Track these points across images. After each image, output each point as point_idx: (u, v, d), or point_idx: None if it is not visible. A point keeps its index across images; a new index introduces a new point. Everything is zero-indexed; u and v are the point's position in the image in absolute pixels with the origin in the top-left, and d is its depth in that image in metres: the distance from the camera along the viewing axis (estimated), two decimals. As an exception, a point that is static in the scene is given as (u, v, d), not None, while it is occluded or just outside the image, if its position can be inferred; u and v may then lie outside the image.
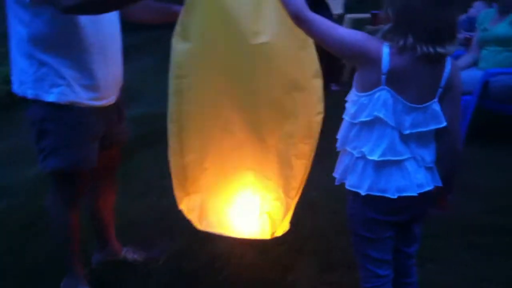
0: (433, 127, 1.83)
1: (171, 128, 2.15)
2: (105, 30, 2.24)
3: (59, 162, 2.25)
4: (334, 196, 3.07)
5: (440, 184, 1.90)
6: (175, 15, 2.13)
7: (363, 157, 1.84)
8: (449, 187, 1.95)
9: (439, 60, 1.77)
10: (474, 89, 4.06)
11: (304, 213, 2.60)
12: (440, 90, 1.80)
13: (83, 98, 2.23)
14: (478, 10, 5.58)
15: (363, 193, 1.85)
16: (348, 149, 1.89)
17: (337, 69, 6.07)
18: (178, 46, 2.06)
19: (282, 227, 2.27)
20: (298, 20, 1.80)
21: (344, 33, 1.82)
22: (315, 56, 2.09)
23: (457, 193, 2.03)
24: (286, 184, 2.19)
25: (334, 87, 5.93)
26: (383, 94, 1.77)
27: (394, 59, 1.73)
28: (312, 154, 2.16)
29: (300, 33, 1.95)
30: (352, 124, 1.87)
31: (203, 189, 2.28)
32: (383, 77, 1.75)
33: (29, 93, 2.20)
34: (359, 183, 1.86)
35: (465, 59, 4.56)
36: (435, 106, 1.81)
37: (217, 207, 2.31)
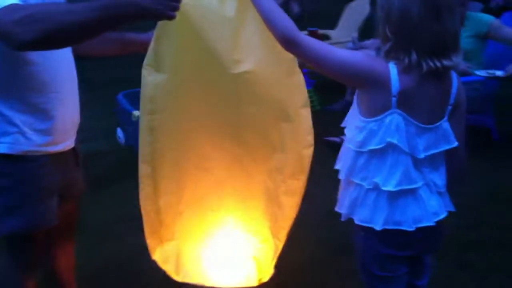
0: (444, 148, 1.70)
1: (143, 169, 1.89)
2: (58, 66, 1.93)
3: (16, 223, 1.91)
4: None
5: (451, 208, 1.77)
6: (141, 44, 1.92)
7: (375, 188, 1.67)
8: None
9: (445, 74, 1.66)
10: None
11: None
12: (449, 107, 1.69)
13: (37, 145, 1.90)
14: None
15: (378, 228, 1.67)
16: (356, 180, 1.71)
17: None
18: (150, 78, 1.80)
19: (269, 271, 2.04)
20: (289, 43, 1.62)
21: (345, 54, 1.66)
22: (303, 83, 1.89)
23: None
24: (274, 224, 1.98)
25: None
26: (395, 117, 1.61)
27: (402, 79, 1.58)
28: (303, 190, 1.95)
29: (286, 59, 1.78)
30: (359, 153, 1.69)
31: (178, 236, 2.03)
32: (394, 99, 1.59)
33: None
34: (372, 217, 1.69)
35: None
36: (445, 125, 1.69)
37: (195, 255, 2.06)
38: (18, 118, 1.85)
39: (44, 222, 1.97)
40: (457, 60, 1.60)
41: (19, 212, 1.91)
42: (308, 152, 1.92)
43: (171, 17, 1.61)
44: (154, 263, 2.89)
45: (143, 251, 3.06)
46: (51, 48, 1.76)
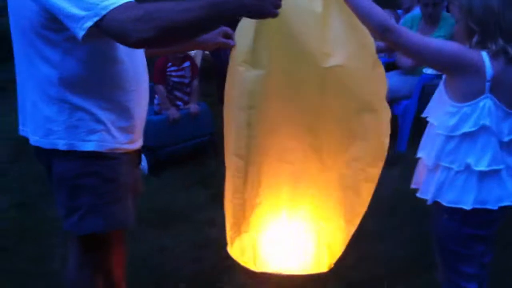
0: None
1: (235, 162, 1.97)
2: (139, 64, 1.96)
3: (101, 222, 1.90)
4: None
5: None
6: (213, 44, 2.05)
7: (465, 169, 1.81)
8: None
9: None
10: (413, 93, 4.26)
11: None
12: None
13: (121, 142, 1.91)
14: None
15: (468, 207, 1.81)
16: (445, 164, 1.85)
17: None
18: (249, 74, 1.88)
19: (337, 256, 2.17)
20: (386, 30, 1.76)
21: (441, 42, 1.83)
22: (384, 75, 2.02)
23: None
24: (350, 211, 2.10)
25: None
26: (487, 102, 1.77)
27: (494, 65, 1.74)
28: (378, 176, 2.08)
29: (371, 51, 1.90)
30: (449, 137, 1.83)
31: (254, 227, 2.10)
32: (488, 84, 1.75)
33: (61, 144, 1.83)
34: (460, 198, 1.83)
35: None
36: None
37: (271, 245, 2.14)
38: (104, 116, 1.85)
39: (125, 220, 1.98)
40: None
41: (103, 211, 1.90)
42: (387, 140, 2.05)
43: (274, 15, 1.67)
44: (176, 261, 2.96)
45: (186, 241, 3.21)
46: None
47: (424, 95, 4.31)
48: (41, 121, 1.85)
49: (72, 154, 1.85)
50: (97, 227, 1.91)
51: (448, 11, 4.71)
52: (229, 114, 2.11)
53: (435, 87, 4.31)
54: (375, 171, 2.06)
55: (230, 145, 2.00)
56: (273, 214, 2.12)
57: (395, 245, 3.18)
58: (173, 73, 4.54)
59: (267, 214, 2.10)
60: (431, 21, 4.49)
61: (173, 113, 4.40)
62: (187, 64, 4.59)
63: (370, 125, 2.02)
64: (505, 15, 1.73)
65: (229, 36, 2.11)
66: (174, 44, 1.91)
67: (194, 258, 3.10)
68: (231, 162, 1.98)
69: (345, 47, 1.92)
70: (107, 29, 1.64)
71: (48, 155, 1.88)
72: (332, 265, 2.15)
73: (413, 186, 2.04)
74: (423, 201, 3.42)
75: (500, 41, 1.73)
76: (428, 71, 4.41)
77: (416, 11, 4.64)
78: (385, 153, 2.06)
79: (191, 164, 4.50)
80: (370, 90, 2.00)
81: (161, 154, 4.33)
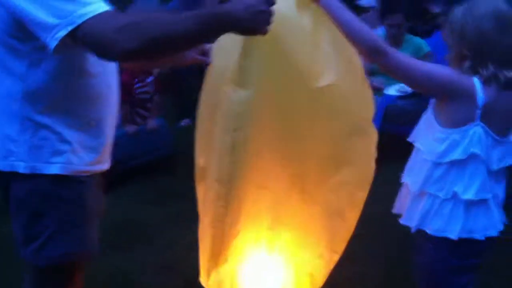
0: (511, 162, 1.81)
1: (217, 189, 1.83)
2: (111, 78, 1.81)
3: (64, 250, 1.74)
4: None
5: (505, 221, 1.89)
6: (192, 60, 1.95)
7: (452, 198, 1.76)
8: None
9: None
10: (377, 114, 4.25)
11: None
12: None
13: (87, 163, 1.76)
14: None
15: (454, 237, 1.75)
16: (431, 191, 1.79)
17: (191, 103, 5.95)
18: (236, 95, 1.75)
19: (320, 285, 2.08)
20: (378, 53, 1.69)
21: (433, 67, 1.77)
22: (372, 95, 1.95)
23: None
24: (332, 238, 2.01)
25: (185, 122, 5.79)
26: (478, 129, 1.72)
27: (486, 92, 1.70)
28: (364, 200, 2.01)
29: (359, 69, 1.85)
30: (437, 164, 1.77)
31: (232, 258, 1.98)
32: (478, 112, 1.70)
33: (21, 167, 1.66)
34: (446, 227, 1.77)
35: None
36: None
37: (250, 275, 2.03)
38: (70, 135, 1.70)
39: (90, 248, 1.83)
40: None
41: (66, 238, 1.74)
42: (373, 164, 1.98)
43: (265, 32, 1.58)
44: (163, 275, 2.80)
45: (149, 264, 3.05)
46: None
47: (387, 116, 4.33)
48: (0, 141, 1.68)
49: (33, 177, 1.68)
50: (60, 257, 1.75)
51: (411, 33, 4.76)
52: (204, 134, 1.99)
53: (397, 107, 4.42)
54: (362, 195, 1.99)
55: (211, 170, 1.86)
56: (253, 244, 2.00)
57: (367, 266, 3.12)
58: (138, 90, 4.35)
59: (247, 244, 1.98)
60: (395, 42, 4.52)
61: (130, 129, 4.22)
62: (150, 79, 4.42)
63: (359, 149, 1.94)
64: (498, 40, 1.69)
65: (205, 53, 2.01)
66: (158, 58, 1.78)
67: (160, 283, 2.96)
68: (212, 188, 1.85)
69: (335, 66, 1.83)
70: (83, 40, 1.49)
71: (6, 178, 1.71)
72: None
73: (395, 211, 1.97)
74: (391, 223, 3.44)
75: (491, 67, 1.69)
76: (390, 92, 4.45)
77: (381, 30, 4.66)
78: (372, 176, 1.99)
79: (147, 182, 4.33)
80: (360, 111, 1.93)
81: (117, 169, 4.13)
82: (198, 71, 5.98)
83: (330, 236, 2.01)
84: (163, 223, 3.64)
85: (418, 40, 4.64)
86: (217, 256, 1.92)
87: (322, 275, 2.04)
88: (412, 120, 4.47)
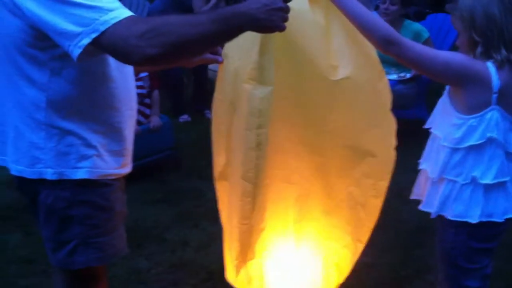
0: None
1: (244, 186, 1.84)
2: (130, 82, 1.82)
3: (96, 255, 1.76)
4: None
5: None
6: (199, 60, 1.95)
7: (471, 182, 1.78)
8: None
9: None
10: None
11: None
12: None
13: (113, 167, 1.77)
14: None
15: (474, 221, 1.79)
16: (449, 177, 1.82)
17: (208, 95, 5.94)
18: (257, 92, 1.76)
19: (346, 274, 2.13)
20: (390, 43, 1.71)
21: (447, 54, 1.80)
22: (389, 86, 1.97)
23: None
24: (357, 228, 2.04)
25: (183, 119, 5.79)
26: (494, 113, 1.75)
27: (501, 76, 1.72)
28: (386, 189, 2.04)
29: (376, 62, 1.86)
30: (455, 150, 1.80)
31: (260, 254, 2.00)
32: (494, 96, 1.73)
33: (50, 173, 1.67)
34: (467, 211, 1.80)
35: None
36: None
37: (278, 270, 2.05)
38: (95, 139, 1.71)
39: (119, 251, 1.85)
40: None
41: (97, 243, 1.76)
42: (394, 153, 2.00)
43: (282, 29, 1.59)
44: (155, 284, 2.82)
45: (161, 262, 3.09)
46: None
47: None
48: (26, 149, 1.68)
49: (61, 183, 1.69)
50: (92, 260, 1.77)
51: (409, 18, 4.77)
52: (223, 133, 2.01)
53: (397, 92, 4.45)
54: (384, 185, 2.02)
55: (237, 169, 1.88)
56: (279, 238, 2.03)
57: (375, 255, 3.15)
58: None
59: (274, 238, 2.01)
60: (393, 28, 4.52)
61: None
62: (144, 74, 4.39)
63: (379, 139, 1.97)
64: (508, 24, 1.72)
65: (215, 52, 2.01)
66: (179, 60, 1.78)
67: (173, 281, 2.97)
68: (237, 186, 1.87)
69: (351, 59, 1.86)
70: (107, 47, 1.50)
71: (34, 186, 1.72)
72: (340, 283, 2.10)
73: (413, 197, 2.00)
74: (398, 206, 3.48)
75: (503, 51, 1.71)
76: (389, 77, 4.47)
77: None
78: (393, 165, 2.02)
79: (153, 181, 4.32)
80: (378, 102, 1.95)
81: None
82: (192, 67, 5.99)
83: (354, 226, 2.04)
84: (172, 222, 3.64)
85: (416, 26, 4.63)
86: (246, 252, 1.94)
87: (348, 265, 2.08)
88: (410, 103, 4.55)
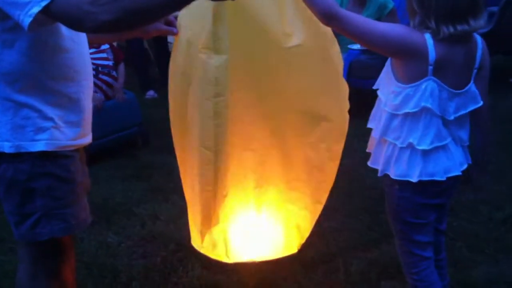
0: (471, 107, 1.90)
1: (204, 155, 1.88)
2: (85, 52, 1.83)
3: (59, 225, 1.78)
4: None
5: (469, 161, 1.99)
6: (144, 31, 1.98)
7: (408, 146, 1.85)
8: (480, 159, 2.05)
9: (469, 39, 1.83)
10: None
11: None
12: (475, 71, 1.88)
13: (71, 138, 1.79)
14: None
15: (414, 180, 1.85)
16: (389, 139, 1.89)
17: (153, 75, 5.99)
18: (213, 61, 1.79)
19: (307, 235, 2.19)
20: (331, 18, 1.73)
21: (386, 27, 1.81)
22: (340, 54, 2.01)
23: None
24: (315, 190, 2.11)
25: (149, 95, 5.78)
26: (430, 84, 1.79)
27: (437, 48, 1.76)
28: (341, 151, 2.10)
29: (327, 31, 1.88)
30: (393, 115, 1.86)
31: (223, 219, 2.05)
32: (430, 67, 1.77)
33: (7, 147, 1.69)
34: (407, 171, 1.87)
35: None
36: (473, 87, 1.89)
37: (241, 234, 2.10)
38: (52, 111, 1.73)
39: (83, 221, 1.87)
40: (476, 24, 1.74)
41: (60, 214, 1.79)
42: (347, 115, 2.07)
43: None
44: (125, 258, 2.85)
45: (131, 236, 3.11)
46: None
47: (352, 70, 4.42)
48: None
49: (20, 156, 1.71)
50: (57, 231, 1.79)
51: None
52: (179, 104, 2.03)
53: (361, 62, 4.50)
54: (339, 148, 2.08)
55: (195, 137, 1.92)
56: (241, 204, 2.07)
57: (341, 220, 3.23)
58: (94, 55, 4.19)
59: (235, 204, 2.06)
60: (359, 1, 4.57)
61: (97, 99, 4.07)
62: (106, 46, 4.34)
63: (333, 105, 2.03)
64: None
65: (170, 23, 2.02)
66: (132, 28, 1.78)
67: (143, 254, 3.01)
68: (199, 155, 1.90)
69: (304, 28, 1.89)
70: (58, 14, 1.51)
71: None
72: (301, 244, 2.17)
73: (368, 150, 2.05)
74: (363, 173, 3.54)
75: (432, 22, 1.74)
76: (354, 47, 4.52)
77: None
78: (347, 128, 2.08)
79: (122, 157, 4.34)
80: (331, 68, 2.00)
81: (90, 147, 4.10)
82: (154, 42, 5.97)
83: (312, 188, 2.10)
84: (141, 197, 3.68)
85: None
86: (210, 218, 1.99)
87: (308, 225, 2.15)
88: (375, 73, 4.61)
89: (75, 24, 1.52)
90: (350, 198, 3.49)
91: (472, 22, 1.74)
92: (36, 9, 1.48)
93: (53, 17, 1.52)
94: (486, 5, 1.85)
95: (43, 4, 1.48)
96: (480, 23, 1.77)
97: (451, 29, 1.73)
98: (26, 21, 1.49)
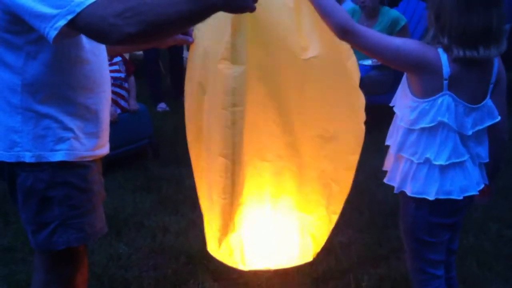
0: (489, 123, 1.90)
1: (221, 163, 1.91)
2: (104, 64, 1.86)
3: (75, 235, 1.80)
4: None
5: (486, 181, 1.98)
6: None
7: (425, 162, 1.85)
8: (495, 175, 2.05)
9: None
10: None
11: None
12: (491, 86, 1.88)
13: (90, 149, 1.82)
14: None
15: (431, 198, 1.85)
16: (406, 155, 1.89)
17: (164, 88, 6.03)
18: (231, 71, 1.83)
19: (322, 243, 2.20)
20: (346, 32, 1.76)
21: (400, 42, 1.83)
22: (357, 66, 2.04)
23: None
24: (331, 201, 2.11)
25: (161, 107, 5.83)
26: (445, 98, 1.80)
27: (451, 64, 1.78)
28: (357, 162, 2.12)
29: (344, 43, 1.90)
30: (410, 130, 1.87)
31: (239, 226, 2.07)
32: (445, 82, 1.78)
33: (28, 156, 1.71)
34: (424, 189, 1.87)
35: None
36: (489, 102, 1.89)
37: (257, 242, 2.12)
38: (72, 122, 1.76)
39: (99, 230, 1.90)
40: (486, 53, 1.74)
41: (77, 223, 1.81)
42: (363, 126, 2.08)
43: (253, 10, 1.62)
44: (135, 269, 2.86)
45: (142, 248, 3.13)
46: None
47: (362, 86, 4.42)
48: (3, 133, 1.73)
49: (40, 166, 1.74)
50: (73, 240, 1.81)
51: (383, 4, 4.83)
52: (195, 112, 2.06)
53: (372, 78, 4.51)
54: (354, 158, 2.09)
55: (212, 146, 1.95)
56: (257, 212, 2.09)
57: (352, 235, 3.23)
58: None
59: (252, 212, 2.07)
60: (369, 15, 4.60)
61: (111, 113, 4.15)
62: (118, 59, 4.40)
63: (349, 116, 2.05)
64: (454, 16, 1.74)
65: (186, 33, 2.05)
66: (157, 40, 1.82)
67: (153, 266, 3.02)
68: (217, 163, 1.93)
69: (320, 40, 1.92)
70: (83, 27, 1.53)
71: (13, 169, 1.76)
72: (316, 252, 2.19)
73: (384, 168, 2.06)
74: (374, 188, 3.55)
75: (445, 39, 1.75)
76: (364, 62, 4.55)
77: (349, 4, 4.73)
78: (362, 139, 2.09)
79: (132, 168, 4.36)
80: (347, 80, 2.02)
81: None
82: (169, 55, 6.01)
83: (328, 199, 2.11)
84: (151, 209, 3.69)
85: (394, 13, 4.68)
86: (227, 225, 2.01)
87: (324, 234, 2.16)
88: (386, 89, 4.62)
89: (100, 36, 1.55)
90: (360, 213, 3.49)
91: (481, 51, 1.74)
92: (62, 22, 1.51)
93: (78, 30, 1.55)
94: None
95: (69, 17, 1.50)
96: (492, 52, 1.76)
97: (461, 53, 1.75)
98: (52, 34, 1.52)
